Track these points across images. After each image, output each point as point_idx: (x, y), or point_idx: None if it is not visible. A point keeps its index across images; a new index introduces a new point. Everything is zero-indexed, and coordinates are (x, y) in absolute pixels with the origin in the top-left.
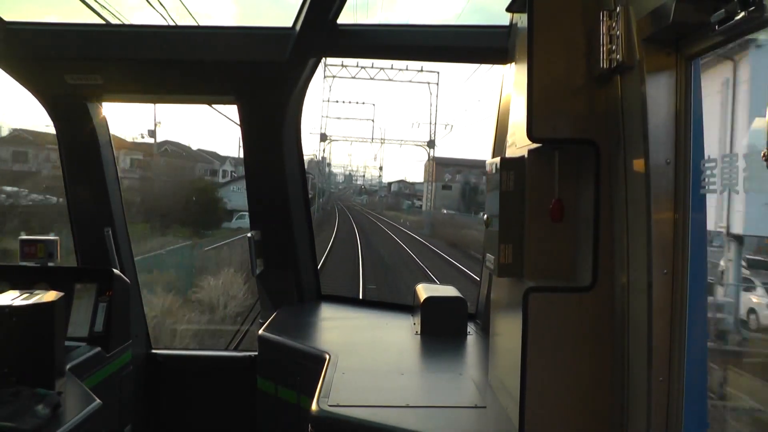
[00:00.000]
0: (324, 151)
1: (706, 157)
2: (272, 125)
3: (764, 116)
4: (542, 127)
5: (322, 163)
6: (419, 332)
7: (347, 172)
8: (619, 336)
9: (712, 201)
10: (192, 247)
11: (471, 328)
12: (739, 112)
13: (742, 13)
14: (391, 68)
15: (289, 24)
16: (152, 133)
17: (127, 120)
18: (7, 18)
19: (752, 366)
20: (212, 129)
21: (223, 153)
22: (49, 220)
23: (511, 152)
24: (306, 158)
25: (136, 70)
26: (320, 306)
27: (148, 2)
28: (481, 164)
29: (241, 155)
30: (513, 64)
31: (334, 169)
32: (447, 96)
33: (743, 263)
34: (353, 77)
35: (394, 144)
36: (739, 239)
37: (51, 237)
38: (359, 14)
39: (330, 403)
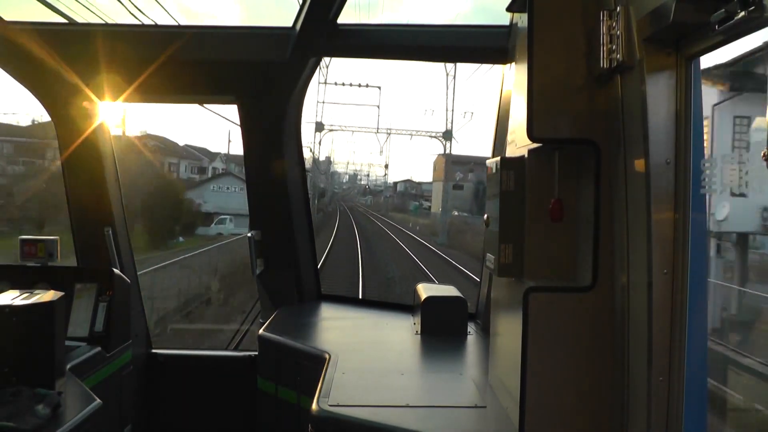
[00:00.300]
0: (320, 143)
1: (706, 157)
2: (272, 125)
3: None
4: (542, 127)
5: (322, 162)
6: (419, 332)
7: (351, 172)
8: (619, 336)
9: None
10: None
11: (471, 327)
12: None
13: (742, 13)
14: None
15: (290, 24)
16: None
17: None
18: (7, 18)
19: None
20: (207, 125)
21: (214, 149)
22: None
23: (511, 152)
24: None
25: (137, 71)
26: (320, 306)
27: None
28: None
29: (233, 152)
30: (513, 63)
31: (337, 168)
32: (467, 77)
33: None
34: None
35: (403, 135)
36: None
37: (51, 237)
38: (362, 14)
39: (330, 402)
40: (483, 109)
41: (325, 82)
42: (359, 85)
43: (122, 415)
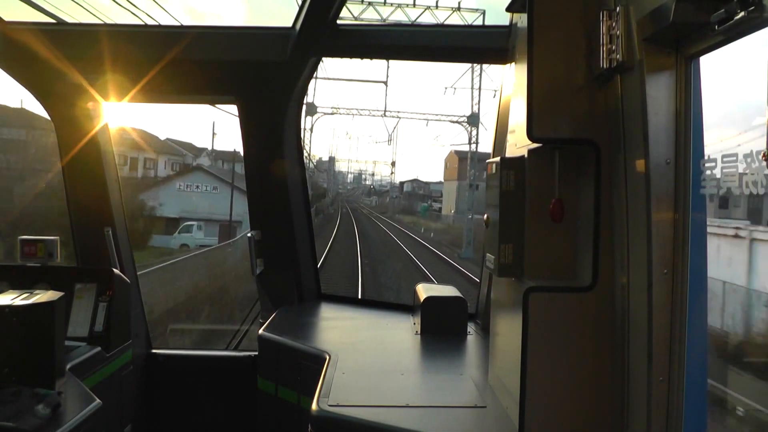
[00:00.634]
0: (311, 130)
1: (705, 157)
2: (272, 125)
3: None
4: (542, 127)
5: (323, 159)
6: (419, 332)
7: (356, 172)
8: (620, 336)
9: None
10: None
11: (471, 327)
12: None
13: (742, 13)
14: (413, 5)
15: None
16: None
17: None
18: (7, 18)
19: None
20: (194, 117)
21: (202, 144)
22: None
23: (511, 152)
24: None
25: (136, 71)
26: (320, 306)
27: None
28: None
29: (219, 147)
30: (513, 64)
31: (341, 167)
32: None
33: None
34: (356, 18)
35: (418, 120)
36: None
37: (50, 237)
38: (367, 14)
39: (330, 402)
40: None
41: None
42: (361, 59)
43: (122, 415)
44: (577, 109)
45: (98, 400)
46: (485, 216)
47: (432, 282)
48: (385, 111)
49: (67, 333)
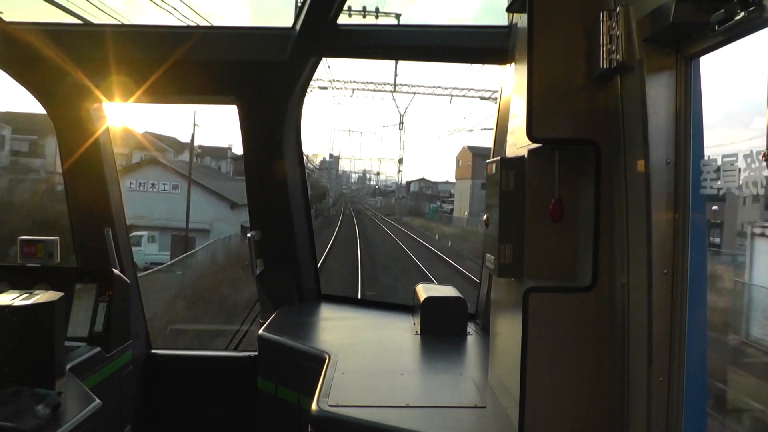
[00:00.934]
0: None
1: (705, 157)
2: (272, 125)
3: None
4: (542, 127)
5: (328, 159)
6: (419, 332)
7: (360, 172)
8: (619, 336)
9: None
10: None
11: (471, 328)
12: None
13: (742, 13)
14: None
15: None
16: None
17: None
18: (7, 18)
19: None
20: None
21: (187, 139)
22: None
23: (511, 152)
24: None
25: (137, 71)
26: (320, 306)
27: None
28: None
29: (200, 141)
30: (513, 64)
31: (343, 165)
32: None
33: None
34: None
35: (438, 97)
36: None
37: (50, 237)
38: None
39: (330, 403)
40: None
41: None
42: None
43: (122, 415)
44: (577, 110)
45: (98, 401)
46: (485, 216)
47: None
48: (395, 86)
49: (67, 333)
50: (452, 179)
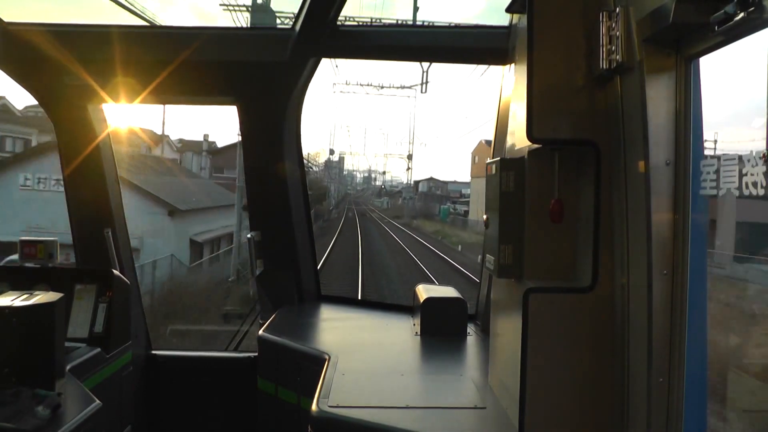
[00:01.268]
0: None
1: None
2: (272, 126)
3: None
4: (542, 128)
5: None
6: (419, 333)
7: (365, 171)
8: (619, 336)
9: None
10: None
11: (471, 328)
12: None
13: (742, 14)
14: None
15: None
16: None
17: None
18: (6, 18)
19: None
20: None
21: (169, 131)
22: None
23: (511, 153)
24: None
25: (137, 72)
26: (320, 307)
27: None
28: None
29: (178, 133)
30: (513, 64)
31: (347, 164)
32: None
33: None
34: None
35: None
36: None
37: (50, 238)
38: (378, 14)
39: (330, 403)
40: None
41: None
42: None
43: (122, 416)
44: (576, 110)
45: (98, 401)
46: (485, 216)
47: None
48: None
49: (67, 334)
50: (462, 178)
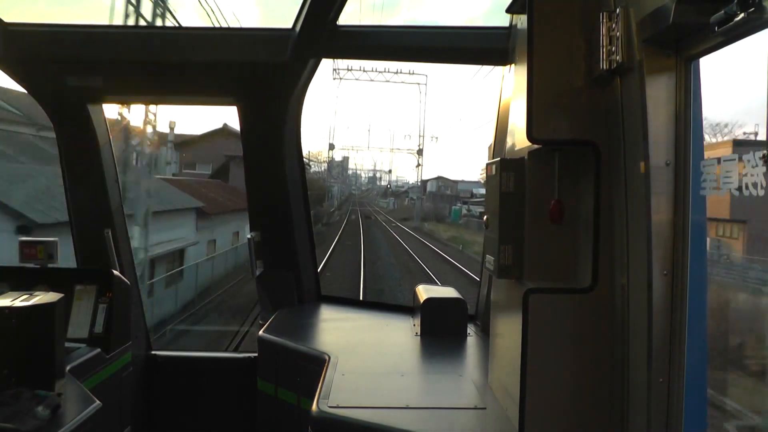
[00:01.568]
0: None
1: (705, 158)
2: (272, 126)
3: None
4: (542, 129)
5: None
6: (419, 333)
7: (370, 170)
8: (619, 337)
9: None
10: None
11: (471, 329)
12: None
13: (742, 15)
14: None
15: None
16: None
17: None
18: (7, 19)
19: None
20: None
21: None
22: None
23: (511, 153)
24: None
25: (136, 72)
26: (320, 307)
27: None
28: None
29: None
30: (513, 65)
31: (351, 162)
32: None
33: None
34: None
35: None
36: None
37: (50, 239)
38: (384, 14)
39: (330, 404)
40: None
41: None
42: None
43: (122, 416)
44: (576, 111)
45: (98, 402)
46: (485, 217)
47: None
48: None
49: (66, 334)
50: (472, 177)
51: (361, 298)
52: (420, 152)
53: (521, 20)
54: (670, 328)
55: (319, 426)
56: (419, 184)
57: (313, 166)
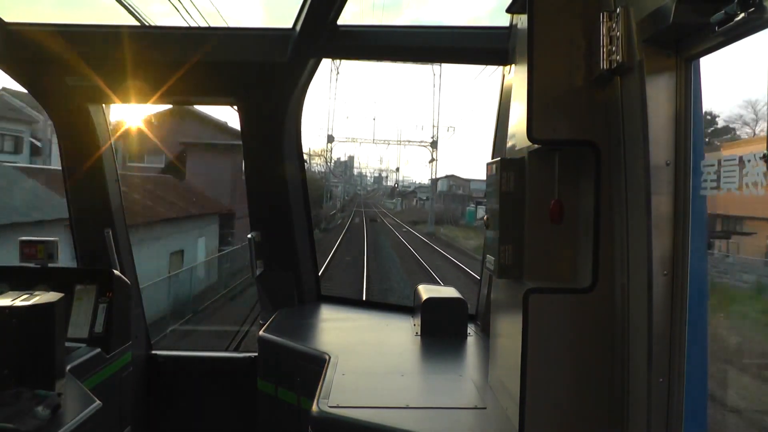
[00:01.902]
0: None
1: (705, 158)
2: (272, 126)
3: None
4: (542, 129)
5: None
6: (419, 333)
7: (376, 169)
8: (619, 337)
9: None
10: None
11: (471, 329)
12: None
13: (742, 15)
14: None
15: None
16: None
17: None
18: (7, 19)
19: None
20: None
21: None
22: None
23: (511, 153)
24: None
25: (136, 72)
26: (320, 307)
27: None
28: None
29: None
30: (513, 65)
31: (356, 161)
32: None
33: None
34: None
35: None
36: None
37: (50, 238)
38: (388, 14)
39: (330, 404)
40: None
41: None
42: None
43: (122, 416)
44: (576, 111)
45: (98, 402)
46: (485, 217)
47: None
48: None
49: (67, 334)
50: (484, 176)
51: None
52: (434, 144)
53: (521, 20)
54: (670, 328)
55: (319, 426)
56: (432, 181)
57: (312, 165)
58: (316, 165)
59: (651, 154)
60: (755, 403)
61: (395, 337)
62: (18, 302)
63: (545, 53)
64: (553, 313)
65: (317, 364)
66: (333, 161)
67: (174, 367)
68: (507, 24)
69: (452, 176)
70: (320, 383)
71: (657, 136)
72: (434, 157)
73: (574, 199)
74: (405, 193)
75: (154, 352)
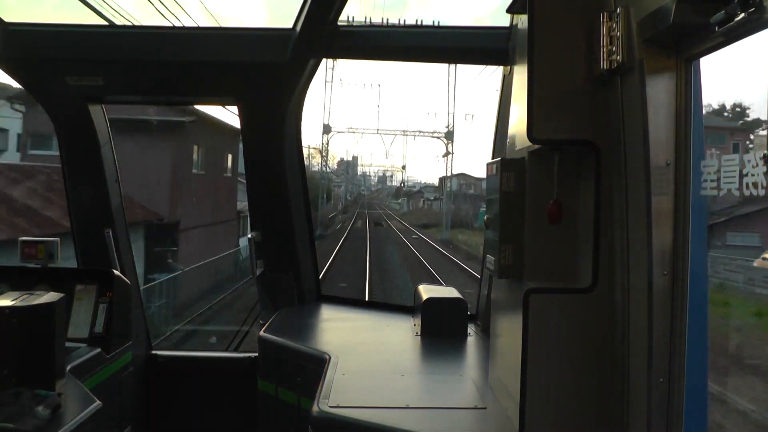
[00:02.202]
0: None
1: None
2: (273, 126)
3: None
4: (542, 129)
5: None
6: (419, 333)
7: (380, 168)
8: (620, 337)
9: None
10: None
11: (471, 329)
12: None
13: (742, 15)
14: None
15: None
16: None
17: None
18: (7, 19)
19: None
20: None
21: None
22: None
23: (511, 153)
24: None
25: (137, 72)
26: (320, 307)
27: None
28: None
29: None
30: (513, 65)
31: (359, 160)
32: None
33: None
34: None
35: None
36: None
37: (51, 238)
38: (391, 13)
39: (330, 404)
40: None
41: None
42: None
43: (122, 416)
44: (577, 111)
45: (98, 402)
46: (485, 217)
47: None
48: None
49: (67, 334)
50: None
51: None
52: (449, 135)
53: (522, 20)
54: (670, 327)
55: (320, 426)
56: (445, 179)
57: (309, 161)
58: (311, 160)
59: (651, 154)
60: None
61: (395, 337)
62: (18, 302)
63: (545, 53)
64: (553, 313)
65: (317, 364)
66: (334, 159)
67: (174, 367)
68: (507, 24)
69: (462, 174)
70: (320, 383)
71: (657, 136)
72: (449, 150)
73: (575, 199)
74: (411, 193)
75: (154, 352)
